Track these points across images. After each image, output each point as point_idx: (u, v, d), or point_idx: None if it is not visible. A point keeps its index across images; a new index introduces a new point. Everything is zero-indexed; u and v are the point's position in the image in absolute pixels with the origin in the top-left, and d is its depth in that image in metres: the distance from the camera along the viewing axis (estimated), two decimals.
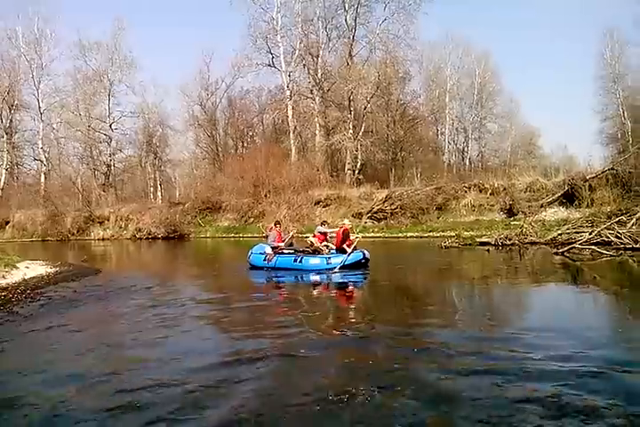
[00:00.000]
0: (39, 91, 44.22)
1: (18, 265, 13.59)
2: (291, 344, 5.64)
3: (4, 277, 11.63)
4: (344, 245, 12.12)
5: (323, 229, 13.06)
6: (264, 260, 12.75)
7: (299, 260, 12.21)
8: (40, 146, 44.40)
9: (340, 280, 11.03)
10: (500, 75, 47.83)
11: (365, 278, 11.41)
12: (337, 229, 12.82)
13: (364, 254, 11.96)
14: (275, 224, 14.33)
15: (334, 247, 12.51)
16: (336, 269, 11.34)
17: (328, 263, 11.69)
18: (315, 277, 11.35)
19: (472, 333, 5.94)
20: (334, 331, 6.35)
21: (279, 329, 6.37)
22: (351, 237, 12.33)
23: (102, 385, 4.52)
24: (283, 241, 13.41)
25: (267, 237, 14.19)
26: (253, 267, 12.98)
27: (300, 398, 4.01)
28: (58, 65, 58.26)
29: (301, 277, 11.46)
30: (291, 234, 14.42)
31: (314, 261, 12.01)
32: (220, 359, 5.17)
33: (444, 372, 4.45)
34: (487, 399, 3.79)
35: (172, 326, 6.85)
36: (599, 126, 42.31)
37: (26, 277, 11.99)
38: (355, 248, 11.96)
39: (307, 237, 13.76)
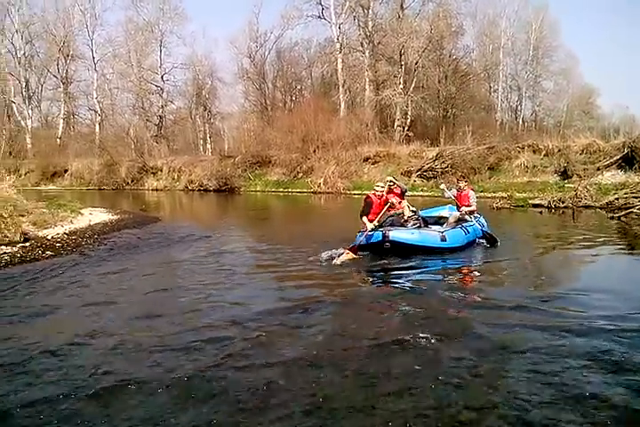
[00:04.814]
0: (93, 41, 44.76)
1: (82, 211, 14.34)
2: (350, 294, 5.94)
3: (72, 222, 12.32)
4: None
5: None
6: None
7: None
8: (95, 96, 45.25)
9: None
10: (559, 29, 45.15)
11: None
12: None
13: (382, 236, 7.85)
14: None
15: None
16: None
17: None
18: None
19: (524, 291, 6.06)
20: (390, 284, 6.61)
21: (338, 280, 6.62)
22: (395, 203, 8.54)
23: (172, 324, 4.85)
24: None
25: None
26: None
27: (360, 341, 4.28)
28: (110, 15, 58.41)
29: None
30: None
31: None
32: (282, 305, 5.48)
33: (496, 325, 4.64)
34: (537, 353, 3.95)
35: (234, 273, 7.23)
36: None
37: (91, 223, 12.63)
38: (382, 221, 8.32)
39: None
